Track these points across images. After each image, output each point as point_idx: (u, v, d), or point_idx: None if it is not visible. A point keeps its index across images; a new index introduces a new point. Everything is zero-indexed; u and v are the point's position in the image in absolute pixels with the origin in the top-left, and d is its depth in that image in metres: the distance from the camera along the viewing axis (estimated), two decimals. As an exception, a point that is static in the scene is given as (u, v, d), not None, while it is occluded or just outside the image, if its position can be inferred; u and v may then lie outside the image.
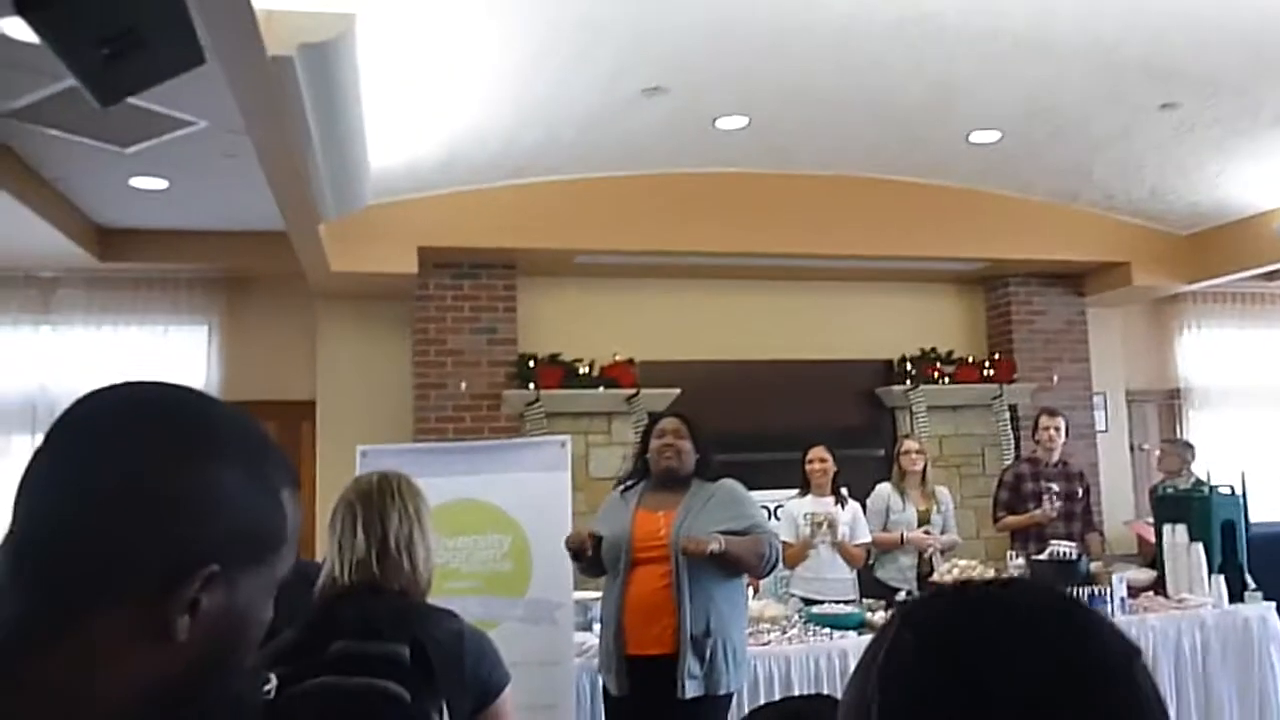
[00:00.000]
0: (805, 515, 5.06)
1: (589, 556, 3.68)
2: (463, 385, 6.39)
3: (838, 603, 4.85)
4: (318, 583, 2.11)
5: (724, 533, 3.49)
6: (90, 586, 0.73)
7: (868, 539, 5.24)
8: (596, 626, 4.41)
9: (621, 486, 3.94)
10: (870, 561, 5.51)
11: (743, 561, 3.53)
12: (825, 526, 4.96)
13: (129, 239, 6.11)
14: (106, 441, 0.77)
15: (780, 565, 3.97)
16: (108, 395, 0.82)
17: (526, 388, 6.40)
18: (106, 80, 2.55)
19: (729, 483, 3.70)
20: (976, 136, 5.71)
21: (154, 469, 0.76)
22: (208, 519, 0.76)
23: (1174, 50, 4.52)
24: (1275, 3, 3.87)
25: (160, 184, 5.26)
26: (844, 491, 5.24)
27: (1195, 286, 7.63)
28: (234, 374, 6.65)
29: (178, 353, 6.63)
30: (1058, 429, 5.69)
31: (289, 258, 5.75)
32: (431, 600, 2.15)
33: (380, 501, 2.12)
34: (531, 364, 6.46)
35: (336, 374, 6.65)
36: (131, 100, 3.06)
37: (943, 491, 5.70)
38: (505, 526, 4.40)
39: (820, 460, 5.20)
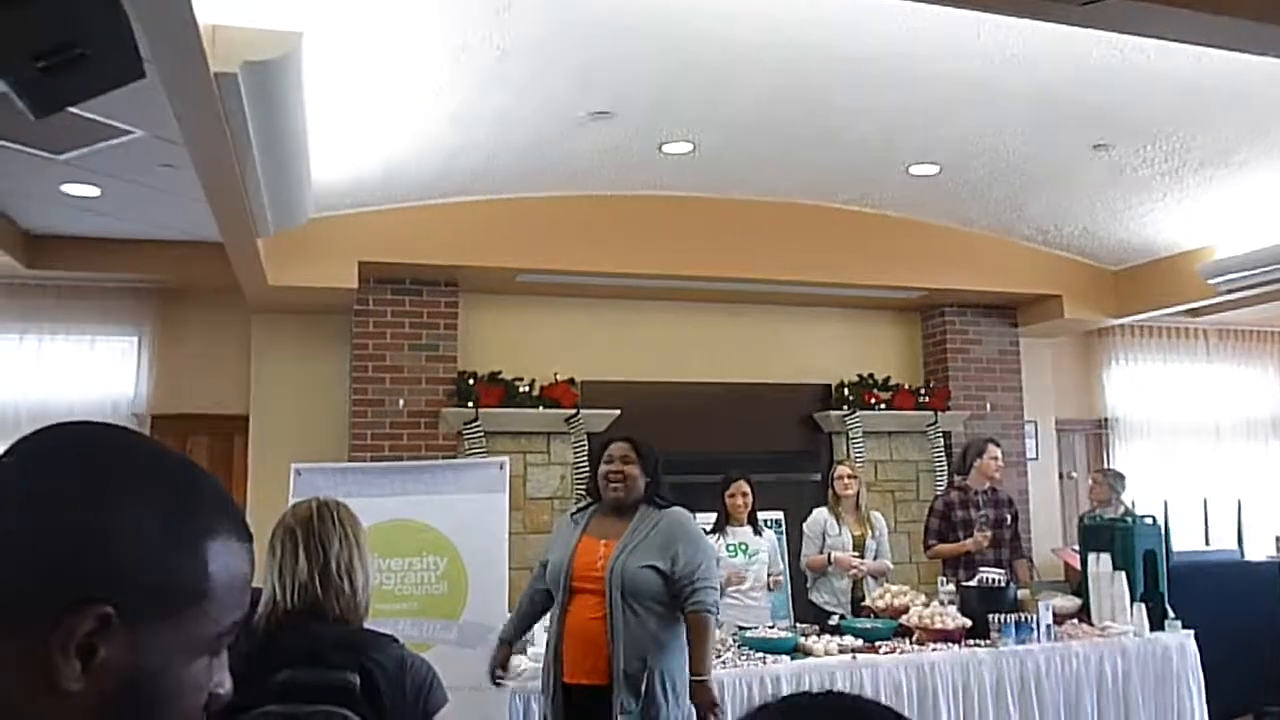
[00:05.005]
0: (728, 546, 5.13)
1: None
2: (400, 402, 6.32)
3: (767, 627, 4.90)
4: (259, 609, 2.11)
5: (659, 571, 3.45)
6: None
7: (780, 568, 5.37)
8: (531, 649, 4.39)
9: (573, 509, 3.91)
10: (806, 585, 5.60)
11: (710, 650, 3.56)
12: (740, 581, 5.10)
13: (58, 246, 5.93)
14: (11, 471, 0.75)
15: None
16: (39, 432, 0.79)
17: (466, 406, 6.35)
18: (43, 92, 2.48)
19: (676, 514, 3.60)
20: (917, 169, 5.83)
21: (48, 496, 0.73)
22: (104, 555, 0.72)
23: (1108, 96, 4.66)
24: (1206, 54, 4.01)
25: (92, 191, 5.12)
26: (760, 518, 5.31)
27: (1123, 320, 7.86)
28: (165, 386, 6.49)
29: (106, 364, 6.45)
30: (1000, 459, 5.81)
31: (224, 269, 5.64)
32: (365, 623, 2.17)
33: (321, 527, 2.15)
34: (471, 382, 6.42)
35: (271, 389, 6.53)
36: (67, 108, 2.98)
37: (878, 517, 5.77)
38: (441, 548, 4.36)
39: (742, 495, 5.25)
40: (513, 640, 3.88)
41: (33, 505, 0.73)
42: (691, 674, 3.45)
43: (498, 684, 3.79)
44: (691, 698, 3.44)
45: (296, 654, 1.94)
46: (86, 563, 0.71)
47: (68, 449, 0.77)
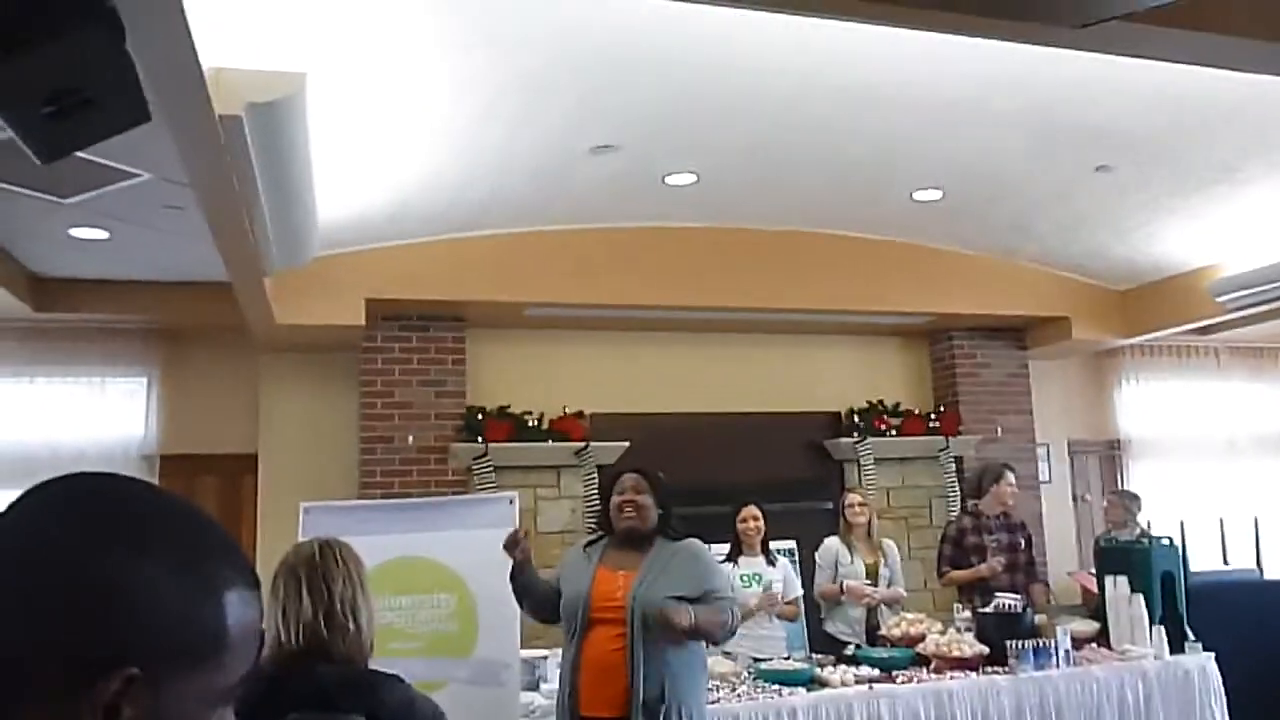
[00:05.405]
0: (741, 576, 5.07)
1: (521, 567, 3.66)
2: (410, 439, 6.32)
3: (782, 658, 4.84)
4: (262, 652, 2.09)
5: (683, 599, 3.43)
6: None
7: (799, 593, 5.28)
8: (544, 686, 4.35)
9: (584, 542, 3.88)
10: (820, 615, 5.54)
11: (707, 632, 3.49)
12: (773, 604, 5.02)
13: (66, 289, 5.97)
14: (23, 534, 0.75)
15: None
16: (43, 488, 0.78)
17: (475, 441, 6.34)
18: (49, 137, 2.50)
19: (692, 544, 3.64)
20: (920, 194, 5.84)
21: (67, 562, 0.73)
22: (125, 617, 0.72)
23: (1108, 115, 4.67)
24: (1204, 71, 4.01)
25: (100, 234, 5.16)
26: (772, 548, 5.26)
27: (1133, 340, 7.83)
28: (174, 427, 6.51)
29: (115, 405, 6.47)
30: (1015, 486, 5.77)
31: (232, 309, 5.66)
32: (374, 662, 2.18)
33: (324, 566, 2.16)
34: (480, 417, 6.41)
35: (280, 427, 6.54)
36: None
37: (890, 544, 5.72)
38: (451, 585, 4.33)
39: (753, 519, 5.19)
40: (530, 574, 3.73)
41: (54, 566, 0.73)
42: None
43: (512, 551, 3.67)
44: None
45: (303, 696, 1.93)
46: (112, 625, 0.72)
47: (83, 505, 0.77)
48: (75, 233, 5.13)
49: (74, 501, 0.78)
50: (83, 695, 0.70)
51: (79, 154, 3.69)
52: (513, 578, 3.72)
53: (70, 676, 0.70)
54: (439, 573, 4.35)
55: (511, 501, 4.54)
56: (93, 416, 6.41)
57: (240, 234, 4.19)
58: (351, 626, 2.09)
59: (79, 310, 6.12)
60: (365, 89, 3.96)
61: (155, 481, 6.36)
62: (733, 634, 3.65)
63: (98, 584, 0.72)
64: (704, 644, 3.68)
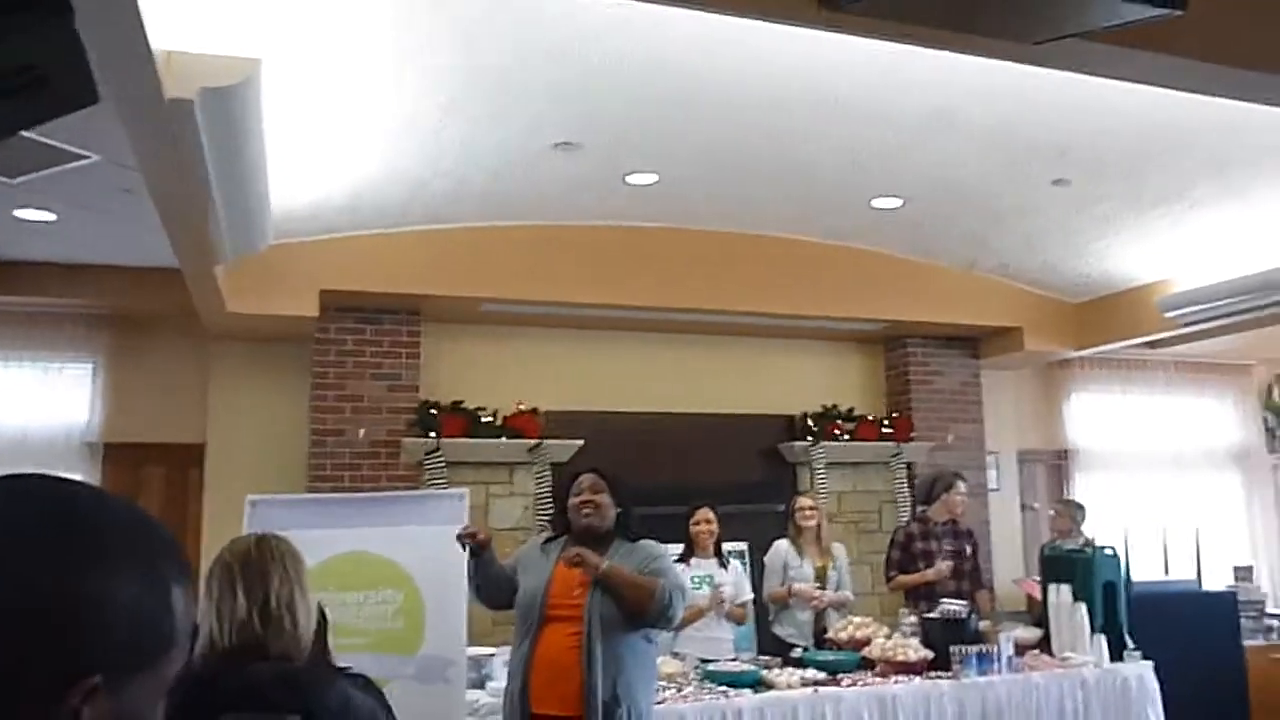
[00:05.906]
0: (693, 578, 5.08)
1: (479, 556, 3.66)
2: (361, 432, 6.24)
3: (730, 660, 4.86)
4: (195, 647, 2.04)
5: None
6: None
7: (749, 596, 5.31)
8: (490, 684, 4.32)
9: (542, 539, 3.89)
10: (769, 618, 5.57)
11: (630, 588, 3.44)
12: (720, 602, 5.05)
13: (10, 272, 5.83)
14: None
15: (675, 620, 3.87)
16: None
17: (427, 436, 6.28)
18: (-9, 116, 2.44)
19: (649, 544, 3.71)
20: (879, 202, 5.88)
21: (29, 576, 0.73)
22: (90, 628, 0.73)
23: (1065, 131, 4.74)
24: (1162, 92, 4.08)
25: (47, 216, 5.05)
26: (725, 550, 5.28)
27: (1083, 353, 7.95)
28: (119, 414, 6.37)
29: (59, 391, 6.32)
30: (965, 495, 5.85)
31: (182, 296, 5.56)
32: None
33: (260, 561, 2.10)
34: (433, 412, 6.35)
35: (229, 418, 6.43)
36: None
37: (839, 548, 5.77)
38: (398, 581, 4.29)
39: (706, 522, 5.22)
40: (490, 556, 3.74)
41: (21, 581, 0.72)
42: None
43: (462, 541, 3.70)
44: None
45: (236, 695, 1.88)
46: (78, 637, 0.73)
47: (19, 511, 0.76)
48: (21, 214, 5.01)
49: (18, 511, 0.77)
50: (48, 706, 0.71)
51: (26, 134, 3.61)
52: (472, 553, 3.71)
53: (36, 689, 0.71)
54: (387, 569, 4.31)
55: (461, 498, 4.52)
56: (35, 401, 6.26)
57: (191, 221, 4.12)
58: (289, 624, 2.04)
59: (25, 293, 5.99)
60: (325, 78, 3.91)
61: (99, 469, 6.24)
62: (668, 615, 3.53)
63: (65, 598, 0.73)
64: (654, 644, 3.69)
